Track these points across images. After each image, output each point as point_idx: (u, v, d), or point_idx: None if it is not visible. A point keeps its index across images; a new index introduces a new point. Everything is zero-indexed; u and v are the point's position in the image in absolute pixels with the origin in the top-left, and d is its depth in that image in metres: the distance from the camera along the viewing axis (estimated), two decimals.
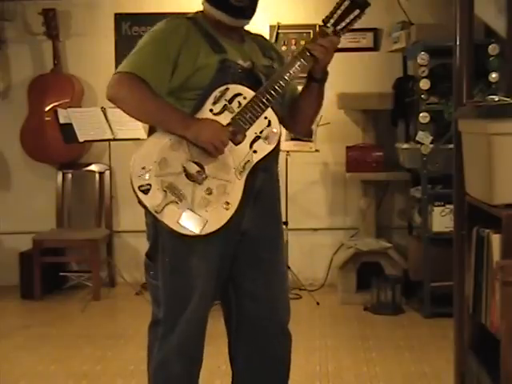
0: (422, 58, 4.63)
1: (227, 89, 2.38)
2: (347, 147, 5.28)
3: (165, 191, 2.33)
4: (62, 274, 5.59)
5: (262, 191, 2.49)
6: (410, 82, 5.14)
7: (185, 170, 2.35)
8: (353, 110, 5.45)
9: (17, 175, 5.76)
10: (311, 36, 5.46)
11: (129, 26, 5.53)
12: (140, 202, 2.35)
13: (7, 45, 5.65)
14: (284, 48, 5.45)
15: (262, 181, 2.48)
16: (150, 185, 2.33)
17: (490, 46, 4.51)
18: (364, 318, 4.80)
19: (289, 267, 5.28)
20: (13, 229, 5.68)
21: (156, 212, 2.33)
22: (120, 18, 5.58)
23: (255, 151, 2.40)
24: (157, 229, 2.42)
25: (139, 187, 2.34)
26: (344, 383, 3.68)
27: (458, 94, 2.91)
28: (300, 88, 2.61)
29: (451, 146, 3.07)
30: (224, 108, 2.38)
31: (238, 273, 2.54)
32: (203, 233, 2.35)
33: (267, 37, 5.28)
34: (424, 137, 4.67)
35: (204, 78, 2.38)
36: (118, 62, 5.55)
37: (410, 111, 5.15)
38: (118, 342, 4.30)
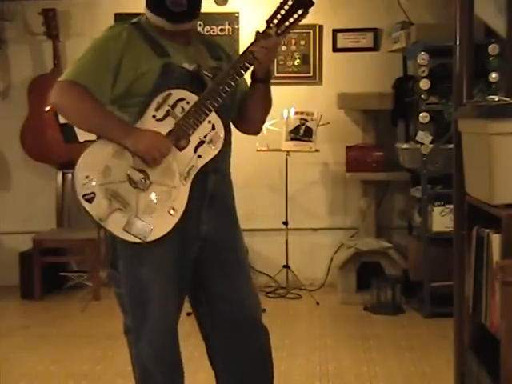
0: (422, 58, 4.63)
1: (170, 94, 2.37)
2: (347, 147, 5.28)
3: (109, 199, 2.34)
4: (62, 274, 5.59)
5: (216, 193, 2.49)
6: (410, 82, 5.14)
7: (129, 177, 2.35)
8: (353, 110, 5.45)
9: (17, 175, 5.76)
10: (311, 36, 5.47)
11: None
12: (85, 210, 2.35)
13: (7, 45, 5.65)
14: (284, 48, 5.45)
15: (214, 183, 2.48)
16: (94, 193, 2.34)
17: (490, 46, 4.51)
18: (364, 317, 4.80)
19: (289, 267, 5.29)
20: (13, 229, 5.68)
21: (101, 220, 2.34)
22: (120, 18, 5.56)
23: (200, 156, 2.40)
24: (114, 237, 2.42)
25: (83, 196, 2.34)
26: (344, 383, 3.68)
27: (458, 93, 2.91)
28: None
29: (451, 146, 3.07)
30: (167, 113, 2.37)
31: (205, 277, 2.55)
32: (148, 239, 2.35)
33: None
34: (424, 137, 4.67)
35: (147, 83, 2.37)
36: None
37: (410, 111, 5.15)
38: (117, 342, 4.29)
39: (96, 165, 2.36)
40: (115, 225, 2.34)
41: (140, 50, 2.40)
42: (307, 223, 5.59)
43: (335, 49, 5.51)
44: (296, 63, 5.52)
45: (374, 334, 4.44)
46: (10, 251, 5.61)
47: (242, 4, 5.38)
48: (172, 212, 2.37)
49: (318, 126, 5.12)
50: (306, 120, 5.14)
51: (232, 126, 2.57)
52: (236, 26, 5.43)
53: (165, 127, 2.37)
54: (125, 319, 2.57)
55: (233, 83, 2.38)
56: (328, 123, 5.21)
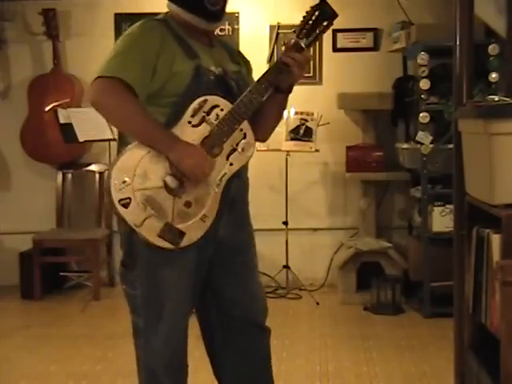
0: (422, 58, 4.63)
1: (206, 100, 2.36)
2: (347, 147, 5.28)
3: (144, 205, 2.32)
4: (62, 274, 5.59)
5: (236, 198, 2.51)
6: (410, 82, 5.14)
7: (165, 183, 2.34)
8: (353, 110, 5.45)
9: (17, 175, 5.76)
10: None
11: (129, 26, 5.45)
12: (118, 214, 2.33)
13: (7, 45, 5.65)
14: (284, 48, 5.45)
15: (236, 188, 2.48)
16: (129, 198, 2.32)
17: (490, 46, 4.51)
18: (364, 317, 4.80)
19: (289, 267, 5.29)
20: (13, 229, 5.69)
21: (136, 226, 2.32)
22: (120, 18, 5.58)
23: (231, 164, 2.41)
24: (131, 237, 2.41)
25: (119, 201, 2.32)
26: (344, 383, 3.68)
27: (458, 93, 2.91)
28: None
29: (451, 146, 3.07)
30: (202, 120, 2.36)
31: (215, 279, 2.55)
32: (181, 246, 2.36)
33: (267, 35, 5.38)
34: (424, 137, 4.67)
35: (179, 84, 2.35)
36: None
37: (410, 111, 5.15)
38: (118, 342, 4.30)
39: (132, 169, 2.32)
40: (150, 231, 2.33)
41: (173, 49, 2.37)
42: (307, 223, 5.59)
43: (335, 49, 5.51)
44: None
45: (374, 333, 4.44)
46: (10, 251, 5.61)
47: (242, 4, 5.38)
48: (204, 218, 2.38)
49: (317, 125, 5.12)
50: (306, 120, 5.14)
51: None
52: (236, 26, 5.43)
53: (200, 133, 2.36)
54: (135, 320, 2.54)
55: (265, 93, 2.38)
56: (328, 123, 5.21)
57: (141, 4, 5.50)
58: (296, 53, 2.39)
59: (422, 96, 4.68)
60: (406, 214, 5.42)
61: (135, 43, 2.37)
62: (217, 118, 2.37)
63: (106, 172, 5.86)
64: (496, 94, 3.14)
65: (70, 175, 5.67)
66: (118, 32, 5.55)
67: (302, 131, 5.13)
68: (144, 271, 2.44)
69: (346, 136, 5.43)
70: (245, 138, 2.42)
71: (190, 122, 2.36)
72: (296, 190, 5.49)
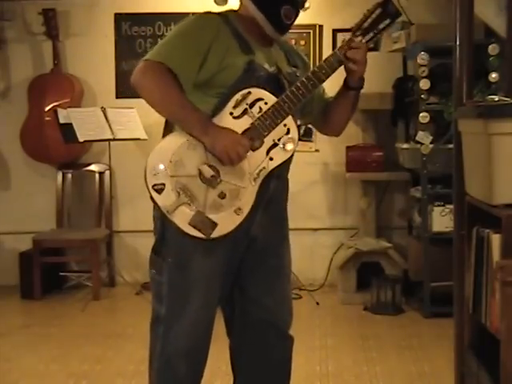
0: (422, 57, 4.63)
1: (249, 93, 2.35)
2: (347, 147, 5.28)
3: (178, 192, 2.32)
4: (62, 273, 5.59)
5: (274, 198, 2.49)
6: (409, 82, 5.14)
7: (200, 172, 2.34)
8: None
9: (17, 175, 5.76)
10: (311, 36, 5.46)
11: (129, 26, 5.53)
12: (152, 199, 2.34)
13: (7, 45, 5.65)
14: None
15: (275, 188, 2.47)
16: (164, 184, 2.32)
17: (490, 46, 4.51)
18: (364, 317, 4.81)
19: None
20: (13, 229, 5.68)
21: (168, 212, 2.32)
22: (120, 18, 5.57)
23: (271, 158, 2.39)
24: (164, 224, 2.40)
25: (153, 186, 2.33)
26: (344, 383, 3.68)
27: (458, 94, 2.91)
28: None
29: (451, 145, 3.07)
30: (244, 112, 2.35)
31: (244, 277, 2.54)
32: (212, 236, 2.34)
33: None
34: (424, 137, 4.67)
35: (229, 77, 2.35)
36: (117, 61, 5.56)
37: (410, 111, 5.15)
38: (117, 342, 4.30)
39: (169, 156, 2.33)
40: (181, 218, 2.32)
41: (227, 43, 2.37)
42: (307, 223, 5.59)
43: (335, 49, 5.50)
44: None
45: (374, 333, 4.44)
46: (10, 251, 5.61)
47: None
48: (238, 212, 2.36)
49: None
50: None
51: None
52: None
53: (241, 126, 2.35)
54: (157, 307, 2.50)
55: (313, 89, 2.37)
56: None
57: (141, 4, 5.50)
58: (347, 47, 2.39)
59: (422, 96, 4.68)
60: (406, 214, 5.42)
61: (187, 32, 2.38)
62: (260, 111, 2.35)
63: (107, 172, 5.87)
64: (496, 94, 3.14)
65: (69, 175, 5.67)
66: (118, 32, 5.55)
67: (301, 131, 5.12)
68: (174, 258, 2.43)
69: (346, 136, 5.39)
70: (288, 133, 2.40)
71: (231, 113, 2.35)
72: (296, 190, 5.44)
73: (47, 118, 5.46)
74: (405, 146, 5.01)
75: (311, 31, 5.41)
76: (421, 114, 4.66)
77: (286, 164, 2.50)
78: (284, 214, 2.61)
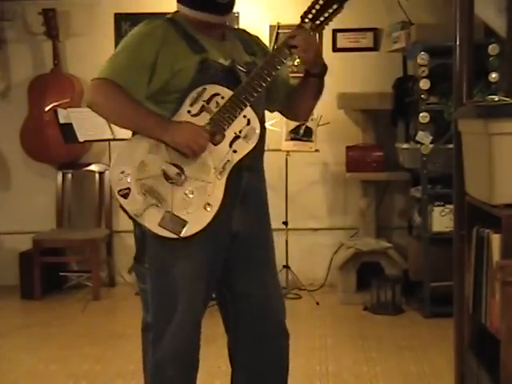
0: (422, 57, 4.63)
1: (204, 89, 2.37)
2: (347, 147, 5.28)
3: (144, 195, 2.33)
4: (62, 273, 5.59)
5: (249, 191, 2.49)
6: (409, 82, 5.14)
7: (164, 172, 2.35)
8: (353, 110, 5.45)
9: (17, 175, 5.76)
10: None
11: (129, 26, 5.52)
12: (121, 206, 2.35)
13: (7, 45, 5.65)
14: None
15: (248, 180, 2.47)
16: (129, 189, 2.33)
17: (490, 46, 4.51)
18: (364, 317, 4.80)
19: (289, 267, 5.29)
20: (13, 229, 5.68)
21: (136, 216, 2.33)
22: (120, 18, 5.58)
23: (235, 151, 2.39)
24: (143, 231, 2.41)
25: (119, 192, 2.34)
26: (344, 383, 3.68)
27: (458, 93, 2.91)
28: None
29: (451, 146, 3.07)
30: (202, 109, 2.37)
31: (231, 274, 2.53)
32: (184, 235, 2.34)
33: (267, 35, 5.37)
34: (424, 137, 4.67)
35: (183, 80, 2.37)
36: None
37: (410, 111, 5.15)
38: (117, 342, 4.30)
39: (131, 160, 2.35)
40: (151, 220, 2.33)
41: (176, 47, 2.38)
42: (307, 223, 5.59)
43: (335, 49, 5.51)
44: (296, 63, 5.51)
45: (374, 333, 4.44)
46: (10, 251, 5.61)
47: (242, 4, 5.38)
48: (208, 208, 2.35)
49: (317, 125, 5.12)
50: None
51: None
52: (236, 26, 5.42)
53: (200, 122, 2.36)
54: (145, 316, 2.53)
55: (268, 78, 2.38)
56: (328, 123, 5.21)
57: (141, 4, 5.51)
58: (296, 34, 2.39)
59: (422, 96, 4.68)
60: (406, 214, 5.42)
61: (132, 46, 2.41)
62: (217, 106, 2.37)
63: (107, 172, 5.86)
64: (496, 94, 3.14)
65: (69, 175, 5.67)
66: (118, 32, 5.55)
67: (301, 131, 5.13)
68: (154, 264, 2.44)
69: (346, 136, 5.43)
70: (248, 124, 2.40)
71: (189, 112, 2.37)
72: (296, 190, 5.49)
73: (47, 118, 5.46)
74: (405, 146, 5.01)
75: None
76: (421, 114, 4.66)
77: (258, 155, 2.50)
78: (264, 207, 2.61)
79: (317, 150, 5.14)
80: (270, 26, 5.39)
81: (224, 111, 2.36)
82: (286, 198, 5.24)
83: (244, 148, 2.40)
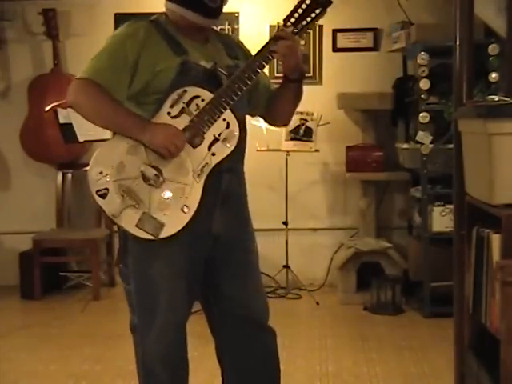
0: (422, 57, 4.64)
1: (185, 91, 2.37)
2: (347, 147, 5.28)
3: (122, 195, 2.34)
4: (62, 273, 5.59)
5: (230, 193, 2.49)
6: (409, 82, 5.14)
7: (142, 173, 2.35)
8: (353, 110, 5.45)
9: (17, 175, 5.76)
10: (310, 36, 5.46)
11: None
12: (98, 206, 2.36)
13: (7, 45, 5.65)
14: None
15: (228, 182, 2.47)
16: (107, 189, 2.34)
17: (490, 46, 4.51)
18: (364, 317, 4.81)
19: (289, 267, 5.29)
20: (13, 229, 5.69)
21: (114, 216, 2.34)
22: (120, 18, 5.57)
23: (214, 154, 2.39)
24: (125, 234, 2.42)
25: (97, 192, 2.34)
26: (344, 383, 3.68)
27: (458, 94, 2.91)
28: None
29: (451, 145, 3.07)
30: (182, 111, 2.37)
31: (215, 276, 2.54)
32: (160, 236, 2.35)
33: (267, 35, 5.37)
34: (424, 137, 4.67)
35: (164, 81, 2.37)
36: None
37: (410, 111, 5.15)
38: (117, 342, 4.30)
39: (110, 161, 2.36)
40: (128, 221, 2.34)
41: (158, 48, 2.39)
42: (307, 223, 5.59)
43: (335, 49, 5.51)
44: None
45: (374, 334, 4.44)
46: (10, 251, 5.61)
47: (241, 4, 5.38)
48: (185, 209, 2.36)
49: (317, 125, 5.12)
50: (306, 120, 5.14)
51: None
52: (236, 26, 5.43)
53: (179, 124, 2.36)
54: (132, 317, 2.57)
55: (249, 82, 2.38)
56: (328, 123, 5.21)
57: (141, 4, 5.50)
58: (278, 38, 2.40)
59: (422, 96, 4.68)
60: (406, 214, 5.42)
61: (114, 46, 2.44)
62: (197, 109, 2.37)
63: None
64: (496, 94, 3.13)
65: (69, 175, 5.67)
66: None
67: (301, 131, 5.13)
68: (135, 266, 2.46)
69: (346, 136, 5.43)
70: (228, 127, 2.40)
71: (169, 113, 2.37)
72: (296, 190, 5.49)
73: (47, 118, 5.46)
74: (405, 146, 5.01)
75: (311, 31, 5.40)
76: (421, 114, 4.66)
77: (238, 157, 2.49)
78: (245, 211, 2.60)
79: (317, 150, 5.15)
80: (270, 26, 5.39)
81: (204, 114, 2.37)
82: (286, 198, 5.24)
83: (223, 151, 2.40)
